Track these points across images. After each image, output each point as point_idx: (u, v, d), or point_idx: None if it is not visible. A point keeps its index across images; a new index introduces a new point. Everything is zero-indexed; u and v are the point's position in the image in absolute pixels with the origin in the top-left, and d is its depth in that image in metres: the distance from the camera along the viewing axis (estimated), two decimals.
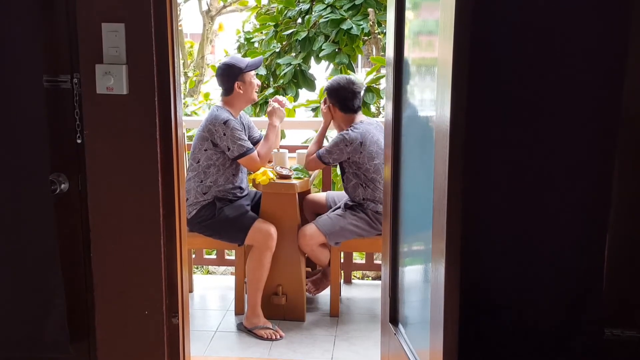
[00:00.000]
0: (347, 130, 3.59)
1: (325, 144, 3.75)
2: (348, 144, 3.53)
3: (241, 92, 3.55)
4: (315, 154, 3.65)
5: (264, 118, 5.37)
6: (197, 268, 4.88)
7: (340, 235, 3.57)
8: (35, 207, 2.26)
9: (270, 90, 5.62)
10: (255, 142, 3.67)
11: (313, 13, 5.55)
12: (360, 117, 3.70)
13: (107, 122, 2.22)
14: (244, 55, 6.10)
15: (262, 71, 5.69)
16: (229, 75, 3.55)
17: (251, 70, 3.59)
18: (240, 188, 3.63)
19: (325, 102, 3.76)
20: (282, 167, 3.60)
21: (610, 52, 1.92)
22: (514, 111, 1.94)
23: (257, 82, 3.64)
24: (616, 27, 1.90)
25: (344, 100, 3.67)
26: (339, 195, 3.85)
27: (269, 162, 3.72)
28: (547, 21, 1.89)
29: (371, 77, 5.09)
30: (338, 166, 3.73)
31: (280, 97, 3.87)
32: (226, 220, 3.49)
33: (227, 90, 3.57)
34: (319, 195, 3.93)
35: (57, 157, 2.26)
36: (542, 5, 1.90)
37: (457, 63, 1.57)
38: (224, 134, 3.44)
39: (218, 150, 3.49)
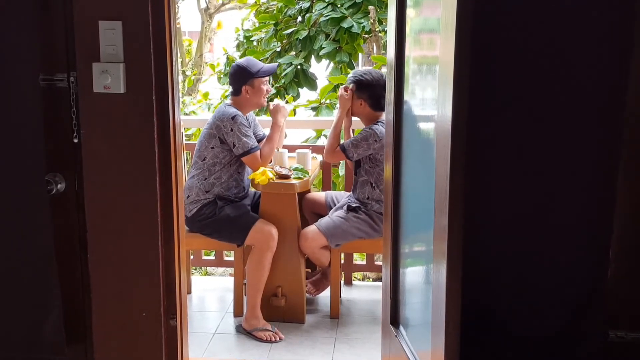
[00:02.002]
0: (376, 124, 3.49)
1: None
2: (377, 140, 3.43)
3: (248, 96, 3.53)
4: (338, 147, 3.53)
5: (264, 117, 5.33)
6: (195, 269, 4.86)
7: (342, 237, 3.54)
8: (31, 207, 2.24)
9: (272, 90, 5.60)
10: (259, 140, 3.65)
11: (313, 11, 5.53)
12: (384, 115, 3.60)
13: (105, 122, 2.20)
14: (243, 54, 6.08)
15: None
16: (239, 77, 3.54)
17: (263, 76, 3.54)
18: (243, 188, 3.60)
19: (346, 90, 3.55)
20: (281, 167, 3.58)
21: (613, 50, 1.90)
22: (516, 110, 1.92)
23: (268, 88, 3.59)
24: (620, 25, 1.88)
25: (377, 98, 3.51)
26: (339, 195, 3.82)
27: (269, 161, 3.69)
28: (550, 19, 1.87)
29: None
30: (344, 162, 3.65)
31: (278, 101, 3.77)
32: (227, 219, 3.47)
33: (235, 92, 3.57)
34: (318, 195, 3.90)
35: (53, 157, 2.24)
36: (546, 3, 1.87)
37: (458, 61, 1.55)
38: (231, 130, 3.42)
39: (225, 147, 3.47)
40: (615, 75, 1.90)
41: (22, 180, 2.24)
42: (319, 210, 3.77)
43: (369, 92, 3.53)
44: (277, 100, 3.72)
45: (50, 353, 2.34)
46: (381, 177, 3.48)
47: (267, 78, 3.61)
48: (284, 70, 5.54)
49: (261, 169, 3.48)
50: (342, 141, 3.62)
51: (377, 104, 3.53)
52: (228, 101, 3.62)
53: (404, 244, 2.29)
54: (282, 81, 5.55)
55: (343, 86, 3.64)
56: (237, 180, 3.56)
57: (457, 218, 1.61)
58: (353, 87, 3.56)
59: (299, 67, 5.51)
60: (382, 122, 3.47)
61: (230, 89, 3.63)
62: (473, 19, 1.54)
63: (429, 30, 1.97)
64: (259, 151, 3.49)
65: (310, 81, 5.55)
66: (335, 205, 3.71)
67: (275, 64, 3.88)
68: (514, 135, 1.93)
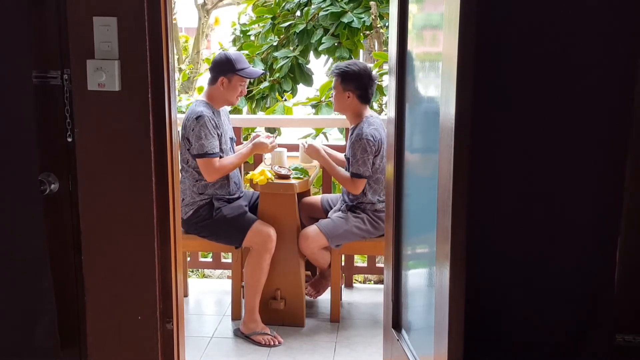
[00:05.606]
0: (361, 126, 3.41)
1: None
2: (372, 145, 3.36)
3: (222, 89, 3.44)
4: (351, 177, 3.42)
5: (262, 115, 5.27)
6: (192, 271, 4.81)
7: (344, 237, 3.50)
8: (24, 208, 2.22)
9: (266, 83, 5.53)
10: (229, 143, 3.56)
11: (312, 5, 5.48)
12: (369, 110, 3.53)
13: (99, 120, 2.17)
14: (240, 49, 6.04)
15: (259, 65, 5.59)
16: (220, 67, 3.45)
17: (243, 76, 3.46)
18: (235, 184, 3.55)
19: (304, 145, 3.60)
20: (280, 167, 3.54)
21: (621, 50, 1.87)
22: (521, 109, 1.89)
23: (243, 89, 3.50)
24: (627, 25, 1.84)
25: (365, 89, 3.42)
26: (334, 198, 3.78)
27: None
28: (556, 13, 1.84)
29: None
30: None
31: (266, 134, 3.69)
32: (224, 220, 3.43)
33: (212, 80, 3.49)
34: (314, 199, 3.85)
35: (46, 156, 2.21)
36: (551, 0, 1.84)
37: (462, 58, 1.53)
38: (192, 130, 3.35)
39: None
40: (623, 72, 1.87)
41: (15, 180, 2.21)
42: (315, 214, 3.73)
43: (356, 83, 3.42)
44: (262, 136, 3.57)
45: (44, 357, 2.32)
46: (374, 176, 3.45)
47: (247, 80, 3.53)
48: (279, 64, 5.49)
49: (259, 168, 3.44)
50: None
51: (365, 96, 3.45)
52: (201, 96, 3.53)
53: (406, 245, 2.27)
54: (277, 75, 5.49)
55: (301, 144, 3.68)
56: (228, 177, 3.49)
57: (460, 219, 1.59)
58: (338, 79, 3.46)
59: (294, 61, 5.44)
60: (368, 121, 3.42)
61: (209, 76, 3.53)
62: (477, 14, 1.52)
63: (431, 25, 1.95)
64: (217, 157, 3.37)
65: (305, 76, 5.50)
66: (331, 208, 3.67)
67: (260, 70, 3.73)
68: (519, 134, 1.91)
